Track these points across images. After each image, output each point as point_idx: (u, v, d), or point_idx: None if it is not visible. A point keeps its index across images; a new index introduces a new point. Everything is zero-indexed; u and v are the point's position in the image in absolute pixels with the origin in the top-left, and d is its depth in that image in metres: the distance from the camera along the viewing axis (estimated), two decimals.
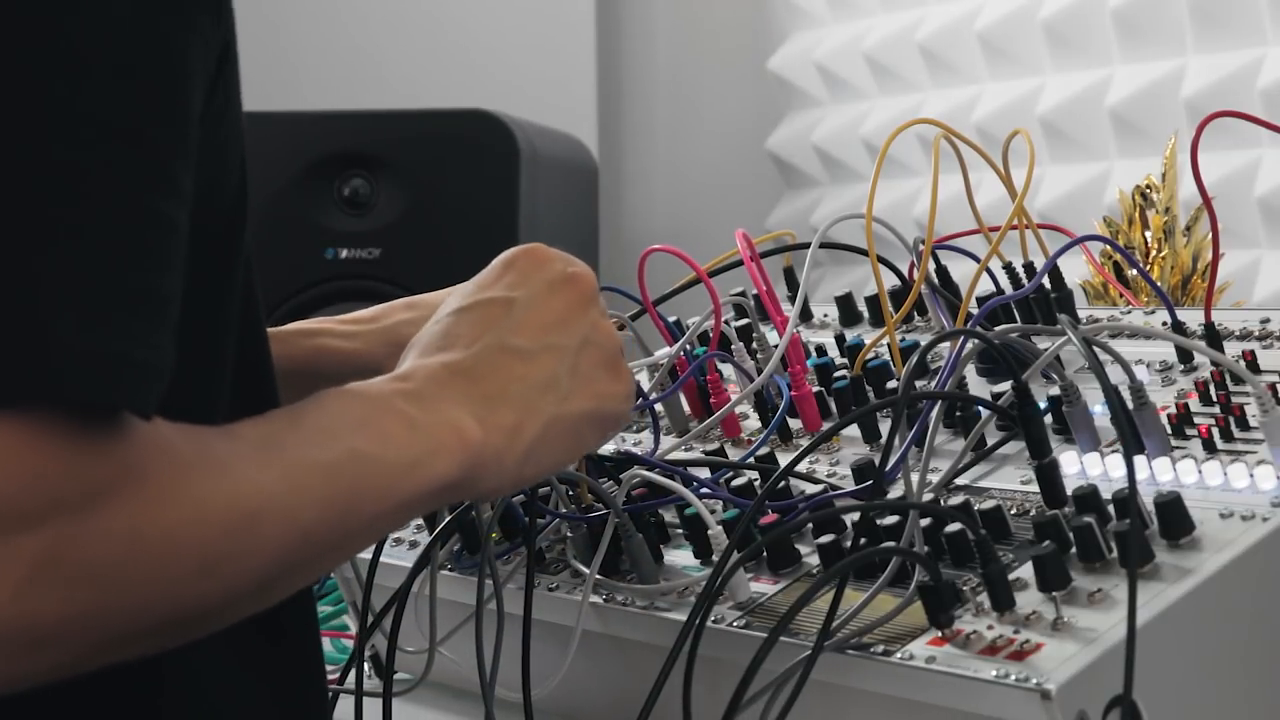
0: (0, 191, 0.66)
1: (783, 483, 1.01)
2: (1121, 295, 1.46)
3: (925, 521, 0.92)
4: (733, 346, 1.19)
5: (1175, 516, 0.88)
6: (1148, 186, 1.59)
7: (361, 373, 1.17)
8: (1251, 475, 0.92)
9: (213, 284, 0.82)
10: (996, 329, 1.06)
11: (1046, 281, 1.18)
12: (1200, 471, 0.94)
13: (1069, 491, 0.92)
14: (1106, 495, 0.90)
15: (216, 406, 0.83)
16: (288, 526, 0.73)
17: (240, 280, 0.84)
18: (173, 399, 0.72)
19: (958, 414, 1.07)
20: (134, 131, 0.70)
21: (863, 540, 0.91)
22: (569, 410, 0.87)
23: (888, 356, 1.16)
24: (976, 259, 1.16)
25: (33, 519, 0.65)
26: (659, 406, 1.20)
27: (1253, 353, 1.05)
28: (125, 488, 0.67)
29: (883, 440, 1.10)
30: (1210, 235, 1.29)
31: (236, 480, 0.72)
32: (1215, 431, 0.97)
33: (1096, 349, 0.96)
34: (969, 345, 1.06)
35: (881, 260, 1.20)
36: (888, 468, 0.96)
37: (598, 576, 1.01)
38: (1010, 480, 1.01)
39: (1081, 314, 1.21)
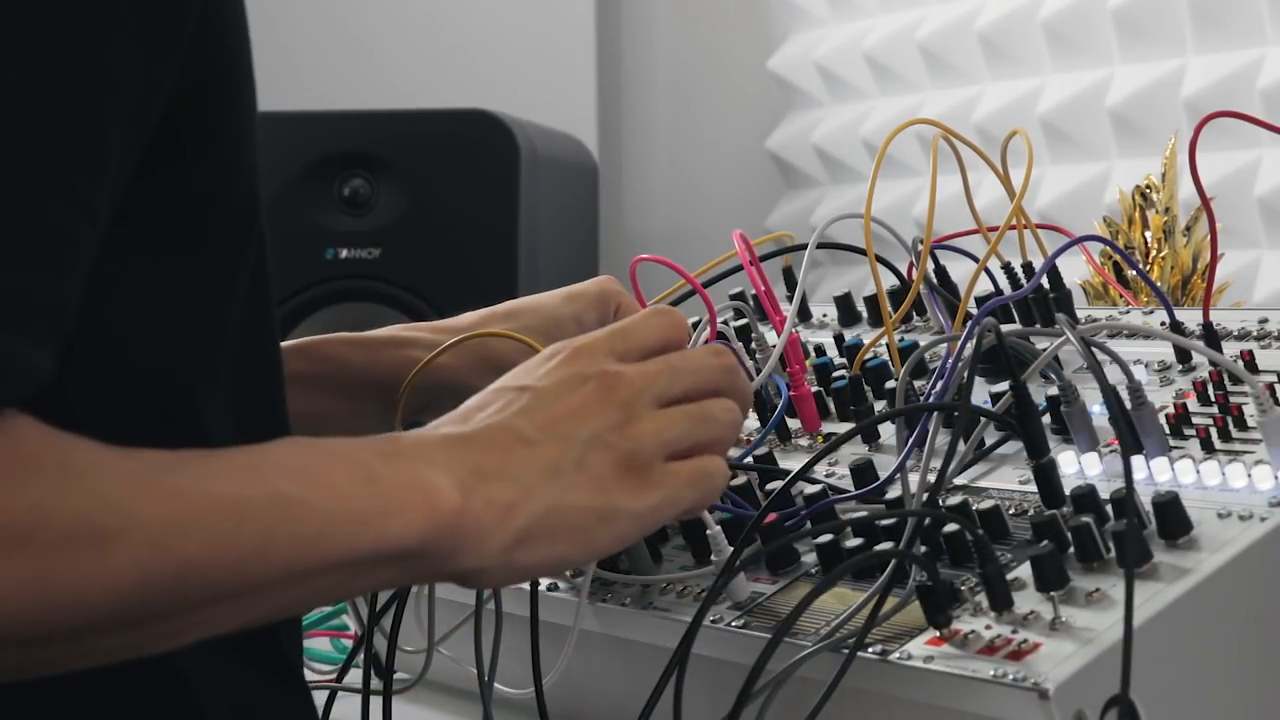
0: None
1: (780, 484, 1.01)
2: (1121, 295, 1.46)
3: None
4: (732, 347, 1.19)
5: (1173, 516, 0.88)
6: (1147, 186, 1.59)
7: (449, 387, 1.08)
8: (1249, 475, 0.92)
9: (204, 279, 0.81)
10: None
11: (1045, 282, 1.18)
12: (1198, 471, 0.94)
13: (1067, 491, 0.92)
14: (1104, 495, 0.90)
15: (208, 397, 0.81)
16: (154, 555, 0.68)
17: (240, 280, 0.83)
18: (158, 382, 0.70)
19: (956, 414, 1.07)
20: (42, 146, 0.68)
21: (861, 540, 0.92)
22: (573, 501, 0.80)
23: (886, 356, 1.16)
24: (975, 259, 1.16)
25: None
26: None
27: (1251, 353, 1.05)
28: None
29: (880, 441, 1.10)
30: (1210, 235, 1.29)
31: (88, 493, 0.67)
32: (1213, 431, 0.97)
33: (1094, 349, 0.96)
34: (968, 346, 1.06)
35: (880, 260, 1.20)
36: (888, 472, 0.96)
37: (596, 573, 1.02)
38: (1008, 480, 1.01)
39: (1081, 314, 1.21)
